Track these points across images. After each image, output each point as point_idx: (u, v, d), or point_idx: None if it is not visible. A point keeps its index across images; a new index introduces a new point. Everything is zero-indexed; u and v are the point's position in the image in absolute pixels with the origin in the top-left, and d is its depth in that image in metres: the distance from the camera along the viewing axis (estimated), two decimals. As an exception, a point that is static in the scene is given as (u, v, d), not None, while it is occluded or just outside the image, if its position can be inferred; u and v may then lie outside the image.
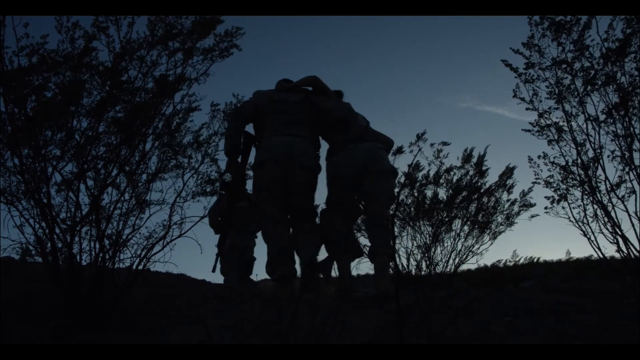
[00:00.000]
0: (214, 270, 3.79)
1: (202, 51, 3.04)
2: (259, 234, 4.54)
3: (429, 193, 5.35)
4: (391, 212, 2.94)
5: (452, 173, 5.39)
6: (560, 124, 3.20)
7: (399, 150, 5.20)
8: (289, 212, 2.98)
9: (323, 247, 3.04)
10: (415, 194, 5.34)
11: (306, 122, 2.96)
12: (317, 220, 3.12)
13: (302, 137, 2.91)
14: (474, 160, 5.43)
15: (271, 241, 2.94)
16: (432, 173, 5.42)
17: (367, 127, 3.04)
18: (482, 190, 5.39)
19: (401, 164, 5.55)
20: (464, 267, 5.59)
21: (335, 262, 3.07)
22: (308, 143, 2.94)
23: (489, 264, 6.35)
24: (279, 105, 2.96)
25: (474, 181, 5.35)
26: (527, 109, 3.34)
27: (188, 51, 2.97)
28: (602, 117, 3.00)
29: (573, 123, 3.13)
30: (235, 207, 3.11)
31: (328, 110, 2.96)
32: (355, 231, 4.39)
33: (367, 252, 2.99)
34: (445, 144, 5.35)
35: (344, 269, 3.00)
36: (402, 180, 5.21)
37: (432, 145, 5.35)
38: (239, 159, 3.04)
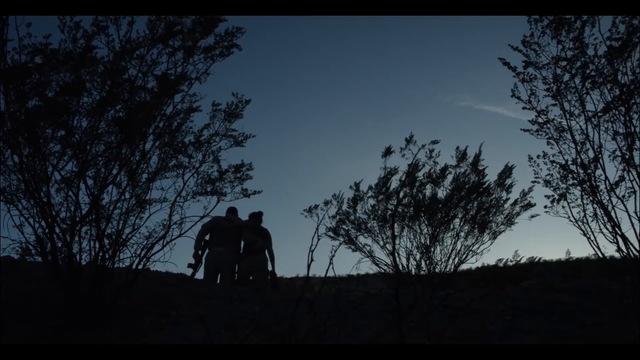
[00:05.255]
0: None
1: (203, 50, 3.03)
2: None
3: (427, 192, 5.36)
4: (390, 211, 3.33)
5: (447, 172, 5.39)
6: (559, 120, 3.19)
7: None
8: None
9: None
10: (414, 192, 5.35)
11: (232, 240, 5.69)
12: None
13: (229, 248, 5.61)
14: (470, 159, 5.41)
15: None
16: (425, 172, 5.46)
17: (262, 244, 5.69)
18: (480, 190, 5.38)
19: (401, 163, 5.62)
20: (464, 266, 5.61)
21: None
22: (231, 251, 5.62)
23: (489, 263, 6.35)
24: (221, 229, 5.63)
25: (468, 179, 5.35)
26: (524, 108, 3.33)
27: (189, 49, 2.96)
28: (601, 114, 2.99)
29: (572, 122, 3.13)
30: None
31: (244, 238, 5.78)
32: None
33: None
34: (434, 142, 5.32)
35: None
36: (402, 178, 5.49)
37: (423, 146, 5.33)
38: (200, 253, 5.58)
